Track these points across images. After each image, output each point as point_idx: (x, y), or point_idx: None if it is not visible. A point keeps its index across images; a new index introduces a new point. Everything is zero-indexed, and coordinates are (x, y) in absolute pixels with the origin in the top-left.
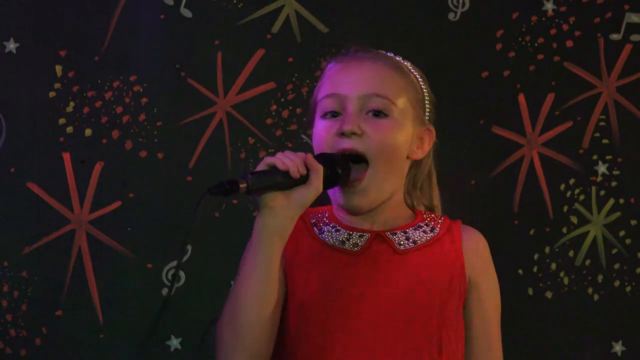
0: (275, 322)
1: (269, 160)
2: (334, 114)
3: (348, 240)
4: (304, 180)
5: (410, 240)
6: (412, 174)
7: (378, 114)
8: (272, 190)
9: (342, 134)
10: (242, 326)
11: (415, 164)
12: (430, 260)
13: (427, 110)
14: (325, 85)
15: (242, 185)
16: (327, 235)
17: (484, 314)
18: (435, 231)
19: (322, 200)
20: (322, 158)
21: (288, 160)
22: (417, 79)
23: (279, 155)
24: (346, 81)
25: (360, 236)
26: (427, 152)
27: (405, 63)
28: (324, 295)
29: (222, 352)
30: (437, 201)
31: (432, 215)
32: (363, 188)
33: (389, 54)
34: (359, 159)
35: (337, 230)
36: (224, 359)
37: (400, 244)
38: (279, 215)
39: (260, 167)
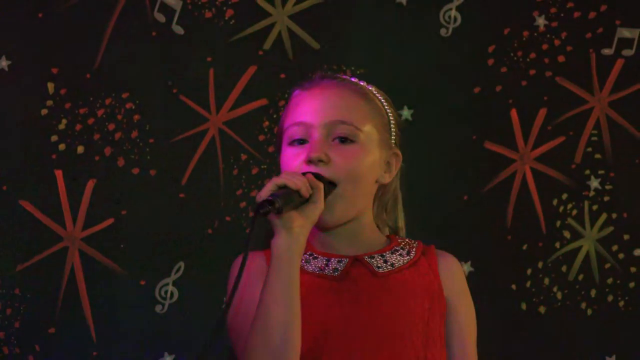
0: (300, 336)
1: (278, 180)
2: (301, 142)
3: (327, 266)
4: (309, 198)
5: (389, 264)
6: (379, 197)
7: (344, 140)
8: (291, 210)
9: (310, 162)
10: (277, 344)
11: (382, 188)
12: (410, 283)
13: (393, 133)
14: (291, 113)
15: (277, 206)
16: (305, 263)
17: (462, 335)
18: (412, 254)
19: None
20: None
21: (297, 180)
22: (382, 103)
23: (285, 175)
24: (311, 109)
25: (339, 261)
26: (395, 175)
27: (370, 88)
28: (310, 321)
29: None
30: (402, 223)
31: (406, 240)
32: (329, 204)
33: (352, 80)
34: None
35: (315, 258)
36: None
37: (379, 267)
38: (298, 234)
39: (270, 187)
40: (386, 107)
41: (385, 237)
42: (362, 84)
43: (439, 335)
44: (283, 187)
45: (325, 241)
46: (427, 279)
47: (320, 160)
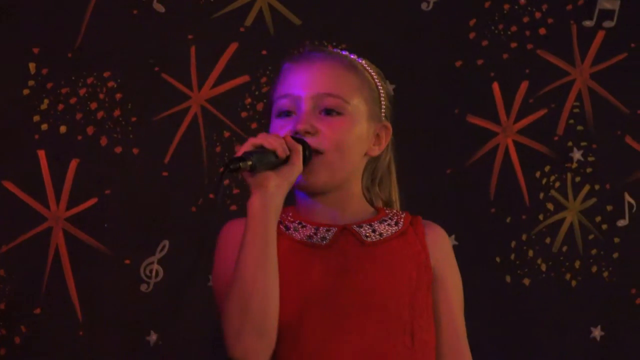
0: (278, 298)
1: (255, 141)
2: (289, 114)
3: (315, 234)
4: (287, 160)
5: (377, 233)
6: (370, 170)
7: (331, 112)
8: (266, 169)
9: (297, 133)
10: (251, 304)
11: (373, 160)
12: (398, 252)
13: (383, 107)
14: (280, 86)
15: (249, 163)
16: (294, 231)
17: (450, 304)
18: (400, 225)
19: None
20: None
21: (273, 141)
22: (372, 76)
23: (262, 136)
24: (300, 81)
25: (327, 230)
26: (385, 148)
27: (360, 61)
28: (298, 289)
29: (232, 337)
30: (395, 196)
31: (394, 211)
32: (315, 168)
33: (343, 53)
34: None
35: (303, 226)
36: (235, 342)
37: (367, 237)
38: (274, 193)
39: (247, 147)
40: (376, 81)
41: (373, 209)
42: (352, 57)
43: (425, 306)
44: (260, 147)
45: (313, 210)
46: (414, 249)
47: (307, 132)
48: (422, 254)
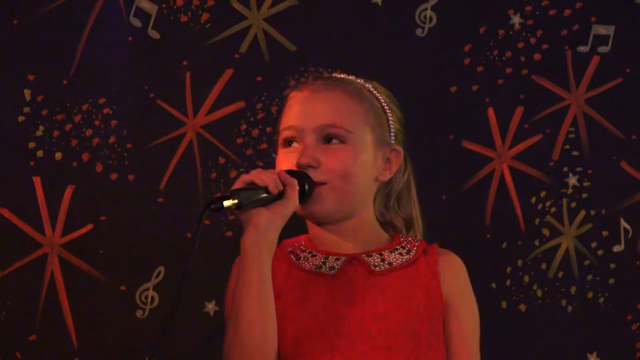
0: (275, 334)
1: (246, 177)
2: (294, 142)
3: (324, 264)
4: (281, 195)
5: (386, 262)
6: (382, 195)
7: (335, 142)
8: (257, 206)
9: (300, 167)
10: (249, 344)
11: (386, 185)
12: (406, 282)
13: (393, 130)
14: (285, 116)
15: (234, 202)
16: (304, 261)
17: (463, 335)
18: (411, 253)
19: (295, 229)
20: (291, 174)
21: (265, 177)
22: (379, 101)
23: (254, 172)
24: (302, 113)
25: (336, 259)
26: (396, 172)
27: (367, 85)
28: (306, 319)
29: None
30: (416, 213)
31: (409, 239)
32: (319, 196)
33: (350, 78)
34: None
35: (314, 256)
36: None
37: (375, 266)
38: (266, 230)
39: (238, 184)
40: (384, 105)
41: (388, 236)
42: (358, 82)
43: (435, 335)
44: (251, 184)
45: (324, 239)
46: (425, 278)
47: (310, 165)
48: (433, 283)
